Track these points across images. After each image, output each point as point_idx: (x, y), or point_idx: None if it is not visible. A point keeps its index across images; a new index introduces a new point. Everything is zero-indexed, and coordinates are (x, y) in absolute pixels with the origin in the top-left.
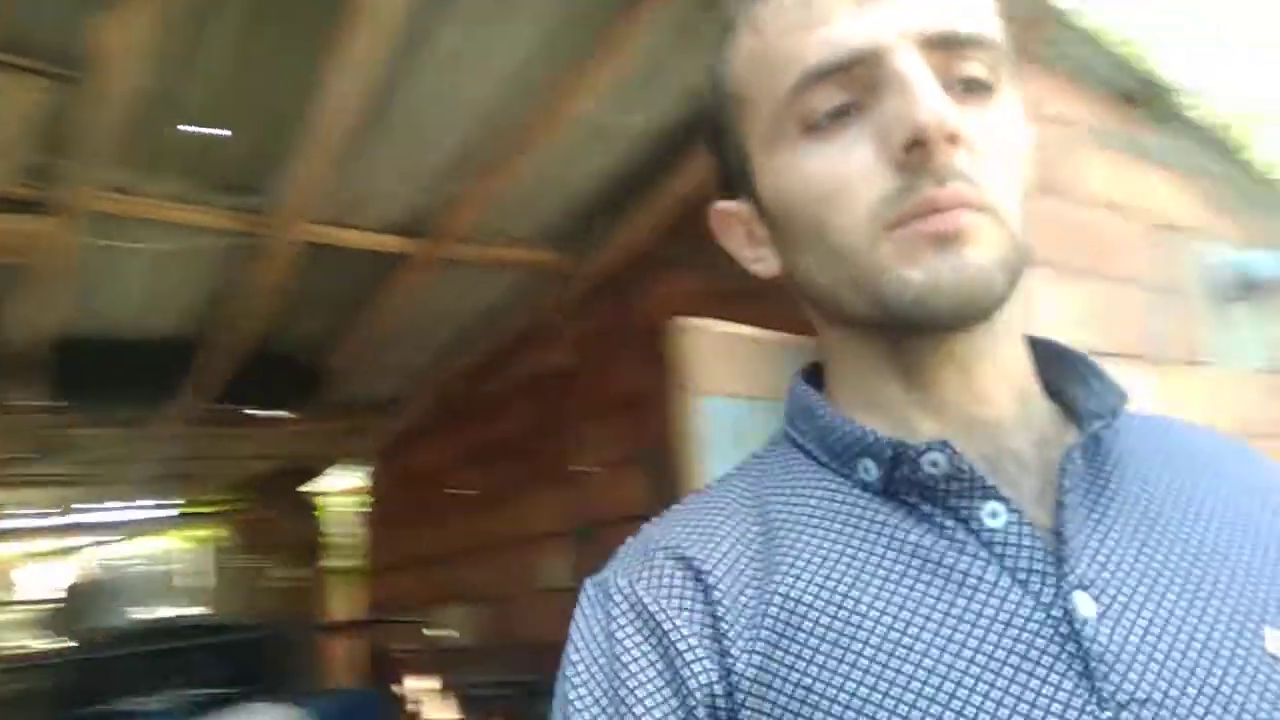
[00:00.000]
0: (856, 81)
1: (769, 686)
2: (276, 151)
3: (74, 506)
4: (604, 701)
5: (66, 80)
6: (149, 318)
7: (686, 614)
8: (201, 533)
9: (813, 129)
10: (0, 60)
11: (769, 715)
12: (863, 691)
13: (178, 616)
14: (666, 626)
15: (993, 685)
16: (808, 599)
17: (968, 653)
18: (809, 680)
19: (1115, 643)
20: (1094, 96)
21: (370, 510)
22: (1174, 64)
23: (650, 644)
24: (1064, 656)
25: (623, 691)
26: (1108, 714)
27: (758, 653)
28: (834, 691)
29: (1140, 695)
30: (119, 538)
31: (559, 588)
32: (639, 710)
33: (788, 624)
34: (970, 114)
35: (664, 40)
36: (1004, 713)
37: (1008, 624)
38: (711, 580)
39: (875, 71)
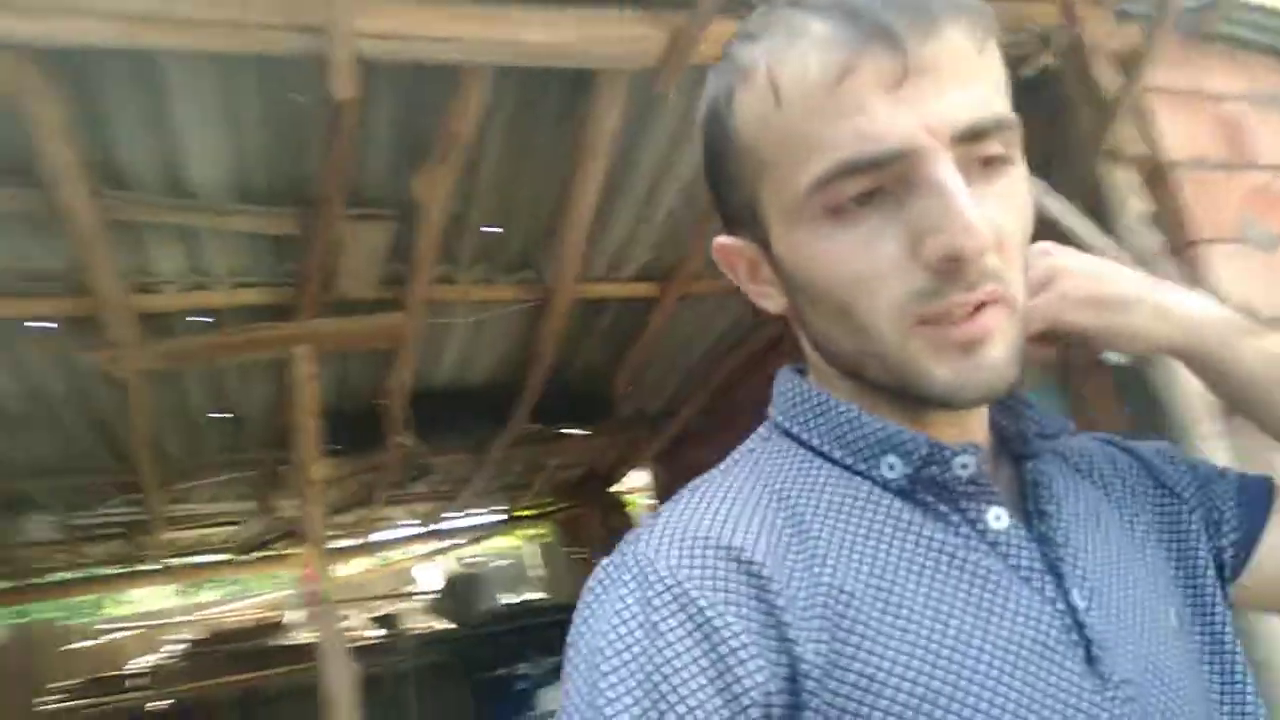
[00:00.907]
0: (887, 174)
1: (830, 676)
2: (544, 236)
3: (441, 516)
4: (644, 701)
5: (396, 219)
6: (473, 369)
7: (736, 608)
8: (532, 531)
9: (837, 212)
10: (352, 214)
11: (831, 705)
12: (922, 679)
13: (531, 600)
14: (718, 624)
15: (1027, 670)
16: (858, 590)
17: (1002, 642)
18: (871, 670)
19: (1102, 632)
20: (1267, 65)
21: (656, 506)
22: None
23: (695, 639)
24: (1072, 644)
25: (664, 688)
26: (1110, 692)
27: (823, 641)
28: (896, 680)
29: (1122, 676)
30: (474, 539)
31: None
32: (681, 710)
33: (842, 615)
34: (991, 193)
35: None
36: (1038, 695)
37: (1027, 616)
38: (764, 573)
39: (908, 169)
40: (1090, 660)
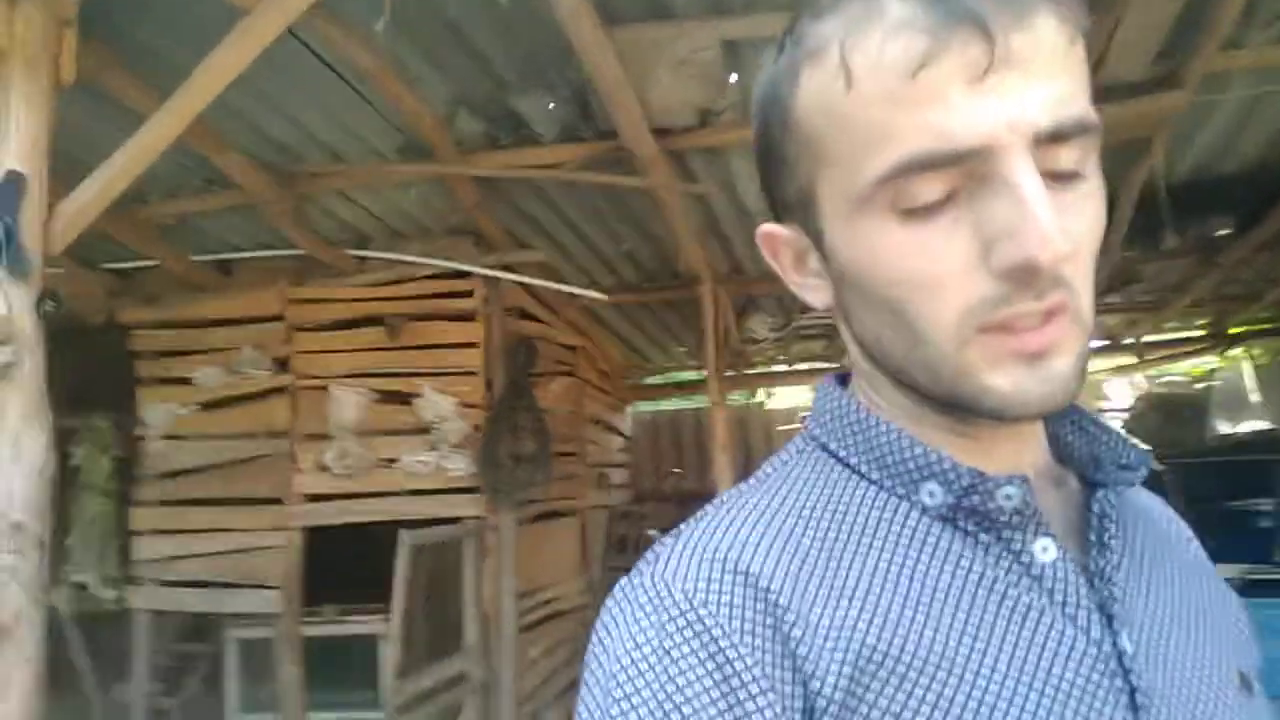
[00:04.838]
0: (962, 171)
1: (852, 711)
2: None
3: (1133, 332)
4: None
5: None
6: (1228, 155)
7: (751, 638)
8: (1246, 352)
9: (907, 212)
10: None
11: None
12: (952, 718)
13: (1270, 430)
14: (731, 655)
15: (1062, 714)
16: (887, 624)
17: (1039, 683)
18: (897, 707)
19: (1149, 679)
20: None
21: None
22: None
23: (707, 668)
24: (1115, 689)
25: (675, 717)
26: None
27: (844, 675)
28: None
29: None
30: (1168, 358)
31: None
32: None
33: (871, 649)
34: (1068, 201)
35: None
36: None
37: (1068, 657)
38: (781, 600)
39: (986, 168)
40: (1135, 708)
